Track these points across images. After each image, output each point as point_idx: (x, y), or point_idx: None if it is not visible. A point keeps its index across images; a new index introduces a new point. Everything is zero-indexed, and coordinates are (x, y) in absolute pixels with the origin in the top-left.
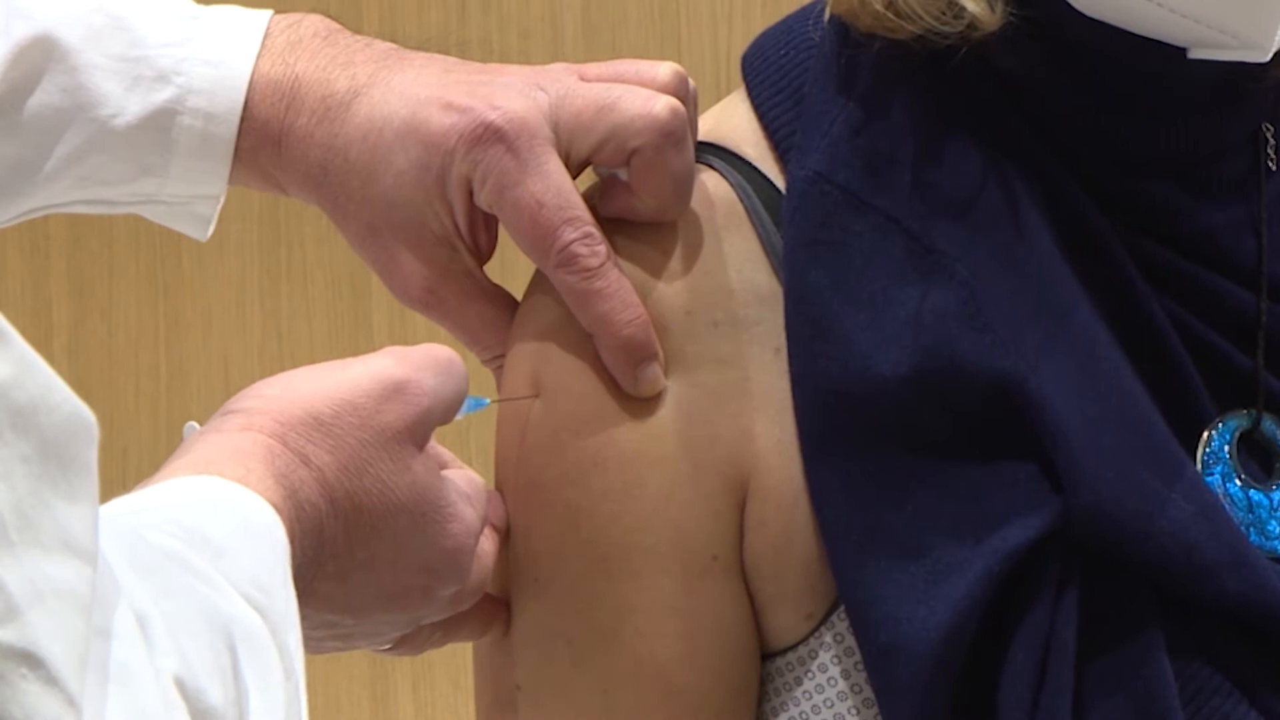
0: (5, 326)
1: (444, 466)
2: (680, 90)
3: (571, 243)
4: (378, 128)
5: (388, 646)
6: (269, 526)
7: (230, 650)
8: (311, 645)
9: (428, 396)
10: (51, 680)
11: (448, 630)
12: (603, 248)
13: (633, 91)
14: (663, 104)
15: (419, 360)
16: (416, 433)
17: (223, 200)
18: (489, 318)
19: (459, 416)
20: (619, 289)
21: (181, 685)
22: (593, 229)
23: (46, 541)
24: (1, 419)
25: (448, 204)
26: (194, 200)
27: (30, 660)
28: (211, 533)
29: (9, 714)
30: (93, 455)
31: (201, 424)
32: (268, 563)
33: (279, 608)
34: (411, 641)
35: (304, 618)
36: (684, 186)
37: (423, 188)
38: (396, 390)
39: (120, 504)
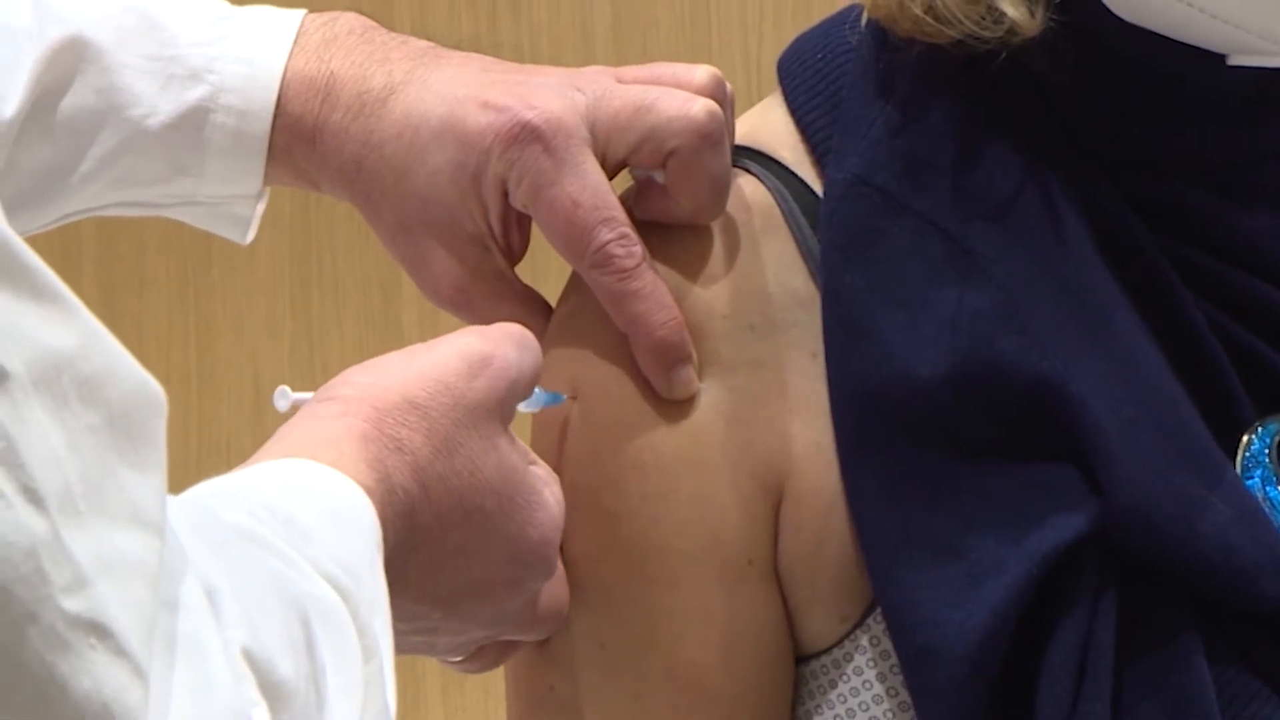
0: (72, 299)
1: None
2: (717, 93)
3: (607, 243)
4: (414, 125)
5: (461, 658)
6: (359, 510)
7: (304, 625)
8: (396, 641)
9: (513, 369)
10: (120, 651)
11: (509, 645)
12: (638, 248)
13: (670, 93)
14: (700, 105)
15: (498, 335)
16: (505, 407)
17: (264, 204)
18: (519, 319)
19: (536, 410)
20: (654, 290)
21: (251, 657)
22: (628, 230)
23: (114, 512)
24: (69, 389)
25: (482, 203)
26: (232, 200)
27: (99, 630)
28: (297, 515)
29: (78, 683)
30: (161, 427)
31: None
32: (355, 546)
33: (365, 590)
34: (488, 654)
35: (393, 607)
36: (720, 189)
37: (457, 186)
38: (483, 365)
39: (208, 486)
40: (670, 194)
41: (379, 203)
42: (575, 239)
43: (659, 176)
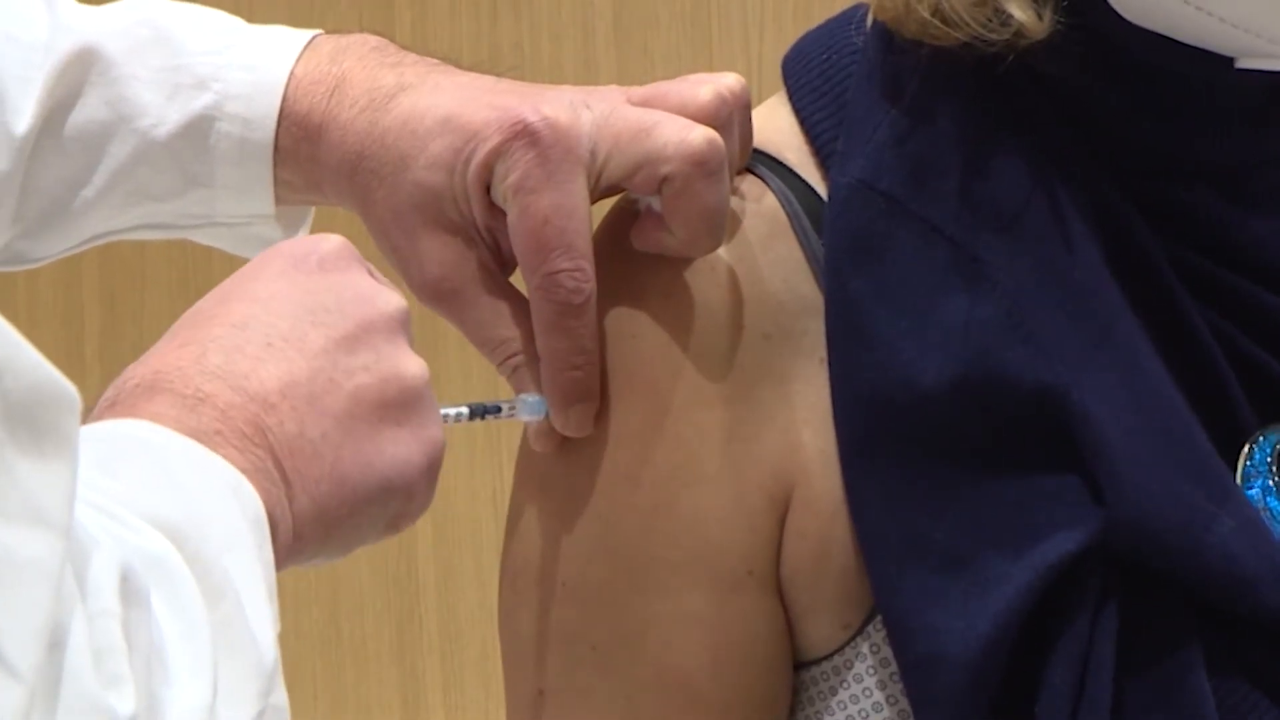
0: None
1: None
2: (721, 111)
3: (560, 271)
4: (419, 115)
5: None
6: (201, 452)
7: (131, 580)
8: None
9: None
10: None
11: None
12: (588, 286)
13: (672, 119)
14: (699, 134)
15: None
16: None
17: (306, 230)
18: (504, 311)
19: (529, 418)
20: (585, 334)
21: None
22: (586, 265)
23: (5, 510)
24: None
25: (465, 190)
26: (253, 221)
27: None
28: (127, 465)
29: None
30: (71, 424)
31: None
32: (198, 486)
33: (214, 530)
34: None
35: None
36: (714, 220)
37: (449, 169)
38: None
39: None
40: (665, 223)
41: (375, 192)
42: (533, 253)
43: (657, 205)
